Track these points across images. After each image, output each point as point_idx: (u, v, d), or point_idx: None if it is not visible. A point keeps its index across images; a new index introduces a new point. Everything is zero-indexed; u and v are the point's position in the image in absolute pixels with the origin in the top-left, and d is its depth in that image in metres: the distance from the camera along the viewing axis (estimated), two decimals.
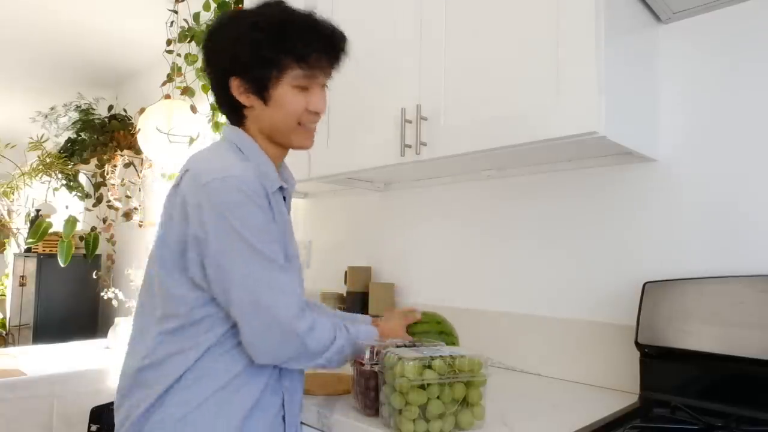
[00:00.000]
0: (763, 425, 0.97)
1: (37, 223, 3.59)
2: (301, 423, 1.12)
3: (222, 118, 2.51)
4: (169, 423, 0.89)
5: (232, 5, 2.47)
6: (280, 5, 0.97)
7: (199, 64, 2.55)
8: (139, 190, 3.37)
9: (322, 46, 0.96)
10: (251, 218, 0.87)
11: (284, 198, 1.03)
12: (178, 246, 0.91)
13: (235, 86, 0.95)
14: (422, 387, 0.90)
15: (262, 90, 0.95)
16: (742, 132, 1.16)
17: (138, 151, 3.17)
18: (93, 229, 3.57)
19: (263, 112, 0.97)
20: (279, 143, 1.02)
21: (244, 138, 1.00)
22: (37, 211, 3.90)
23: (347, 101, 1.55)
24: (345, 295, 1.89)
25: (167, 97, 2.69)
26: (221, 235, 0.87)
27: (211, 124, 2.59)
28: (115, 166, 3.40)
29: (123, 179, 3.38)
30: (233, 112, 1.00)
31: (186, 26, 2.62)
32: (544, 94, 1.10)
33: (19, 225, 4.51)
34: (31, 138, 3.77)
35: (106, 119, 3.80)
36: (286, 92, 0.95)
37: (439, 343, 1.05)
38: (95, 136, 3.69)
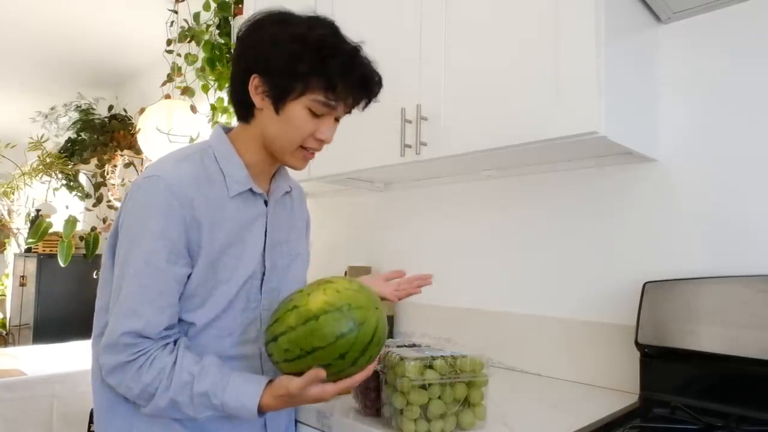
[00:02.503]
0: (763, 425, 0.97)
1: (37, 223, 3.59)
2: (299, 422, 1.12)
3: (221, 119, 2.52)
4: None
5: (232, 5, 2.48)
6: (332, 28, 0.93)
7: (199, 64, 2.55)
8: None
9: (355, 84, 0.93)
10: (151, 222, 0.87)
11: (266, 202, 1.01)
12: (114, 232, 0.95)
13: (254, 85, 0.93)
14: (423, 387, 0.90)
15: (278, 99, 0.92)
16: (742, 132, 1.16)
17: (138, 151, 3.18)
18: (93, 229, 3.57)
19: (270, 121, 0.94)
20: (273, 155, 0.99)
21: (220, 140, 0.98)
22: (37, 211, 3.90)
23: None
24: None
25: (167, 97, 2.70)
26: (125, 229, 0.90)
27: (211, 124, 2.59)
28: (115, 166, 3.40)
29: (123, 179, 3.39)
30: (243, 107, 0.98)
31: (186, 26, 2.62)
32: (544, 94, 1.10)
33: (19, 225, 4.51)
34: (31, 138, 3.78)
35: (106, 119, 3.80)
36: (300, 112, 0.92)
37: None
38: (95, 136, 3.69)
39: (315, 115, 0.92)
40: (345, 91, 0.92)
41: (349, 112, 0.98)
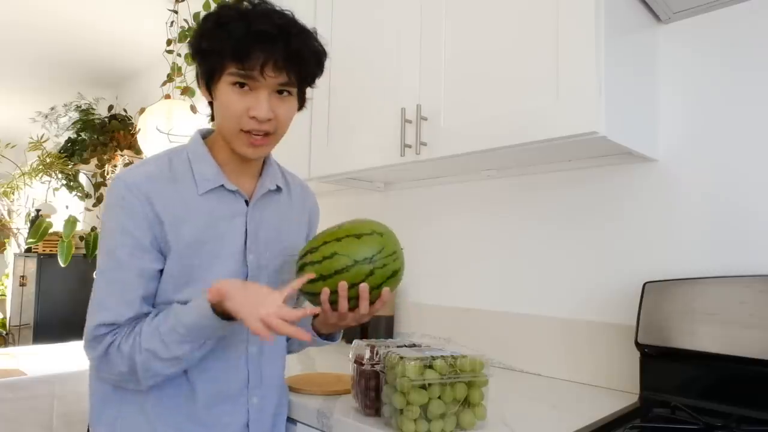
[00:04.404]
0: (763, 425, 0.97)
1: (37, 223, 3.59)
2: (299, 422, 1.12)
3: None
4: None
5: None
6: (251, 1, 0.89)
7: None
8: None
9: (262, 47, 0.85)
10: (113, 220, 0.90)
11: (246, 201, 0.98)
12: None
13: (199, 79, 0.95)
14: (423, 387, 0.90)
15: (208, 85, 0.93)
16: (742, 131, 1.16)
17: (138, 151, 3.18)
18: (93, 229, 3.57)
19: (215, 110, 0.95)
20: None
21: (195, 142, 1.00)
22: (37, 211, 3.89)
23: (347, 101, 1.55)
24: None
25: (167, 97, 2.69)
26: (100, 231, 0.94)
27: (211, 124, 2.59)
28: (115, 166, 3.40)
29: None
30: (209, 107, 1.01)
31: (186, 26, 2.62)
32: (544, 94, 1.10)
33: (19, 225, 4.51)
34: (31, 138, 3.77)
35: (106, 119, 3.80)
36: (226, 91, 0.89)
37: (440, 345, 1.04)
38: (95, 136, 3.69)
39: (242, 91, 0.88)
40: (256, 53, 0.85)
41: (299, 81, 0.91)
